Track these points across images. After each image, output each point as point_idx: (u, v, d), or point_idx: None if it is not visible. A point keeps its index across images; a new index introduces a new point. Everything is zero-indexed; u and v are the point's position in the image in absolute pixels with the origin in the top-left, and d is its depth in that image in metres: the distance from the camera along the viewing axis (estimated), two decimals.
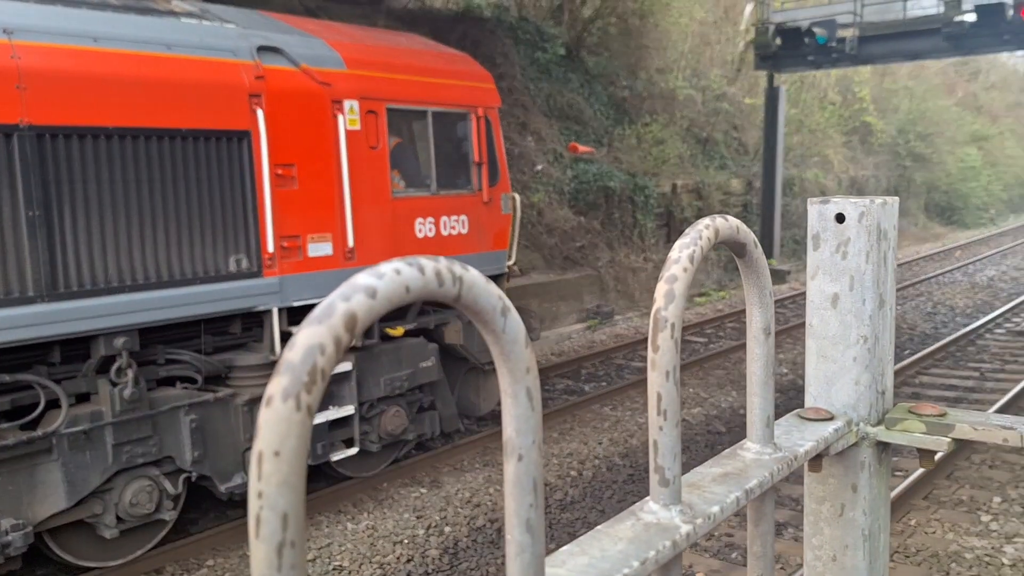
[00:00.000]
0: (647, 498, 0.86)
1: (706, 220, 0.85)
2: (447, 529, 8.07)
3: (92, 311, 6.65)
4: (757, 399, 0.99)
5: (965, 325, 16.30)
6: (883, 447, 1.17)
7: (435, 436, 9.86)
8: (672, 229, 21.30)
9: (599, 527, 0.87)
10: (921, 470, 8.44)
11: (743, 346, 13.86)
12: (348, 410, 8.50)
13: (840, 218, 1.13)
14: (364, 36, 9.63)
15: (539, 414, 0.68)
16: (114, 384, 6.86)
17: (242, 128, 7.53)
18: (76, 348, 6.85)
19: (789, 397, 12.04)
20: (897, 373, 12.50)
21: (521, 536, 0.73)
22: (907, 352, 14.49)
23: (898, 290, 20.75)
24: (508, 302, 0.66)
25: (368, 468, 9.13)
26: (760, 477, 0.91)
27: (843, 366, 1.15)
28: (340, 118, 8.27)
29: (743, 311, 15.80)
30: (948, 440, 1.11)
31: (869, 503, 1.16)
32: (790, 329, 16.16)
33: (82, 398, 6.92)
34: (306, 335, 0.55)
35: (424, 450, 9.92)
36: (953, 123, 39.68)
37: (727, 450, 0.98)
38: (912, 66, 36.48)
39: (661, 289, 0.81)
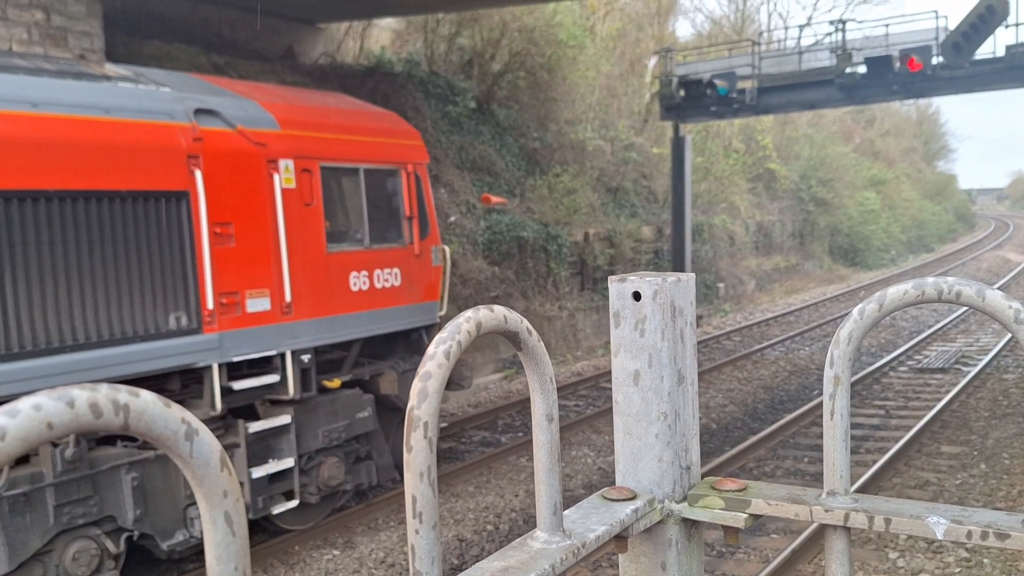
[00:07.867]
0: None
1: (468, 312, 0.83)
2: None
3: (34, 372, 6.56)
4: (543, 486, 0.97)
5: (870, 364, 16.80)
6: (691, 523, 1.17)
7: (372, 486, 9.94)
8: (585, 277, 21.52)
9: None
10: None
11: None
12: (288, 463, 8.53)
13: (637, 296, 1.14)
14: (295, 97, 9.85)
15: (243, 539, 0.64)
16: (55, 445, 6.74)
17: (181, 188, 7.62)
18: None
19: (703, 440, 12.19)
20: (804, 415, 12.79)
21: None
22: (815, 393, 14.85)
23: (805, 331, 21.30)
24: (195, 423, 0.62)
25: (307, 520, 9.14)
26: (540, 570, 0.89)
27: (647, 443, 1.15)
28: (276, 177, 8.41)
29: None
30: (746, 516, 1.12)
31: None
32: (701, 374, 16.43)
33: (21, 459, 6.77)
34: None
35: (337, 509, 9.71)
36: (852, 168, 41.27)
37: (517, 540, 0.96)
38: (811, 115, 37.94)
39: (415, 387, 0.78)
